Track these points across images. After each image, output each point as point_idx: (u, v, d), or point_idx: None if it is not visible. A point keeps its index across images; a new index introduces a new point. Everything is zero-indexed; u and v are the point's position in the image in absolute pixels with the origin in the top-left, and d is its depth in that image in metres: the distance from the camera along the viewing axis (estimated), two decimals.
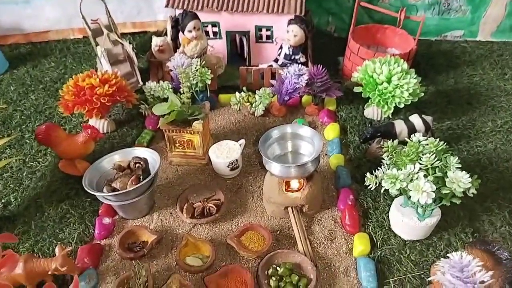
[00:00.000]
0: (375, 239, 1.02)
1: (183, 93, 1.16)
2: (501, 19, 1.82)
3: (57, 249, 0.87)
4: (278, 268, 0.93)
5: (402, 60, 1.33)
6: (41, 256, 0.98)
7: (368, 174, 0.97)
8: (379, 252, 0.99)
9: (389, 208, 1.06)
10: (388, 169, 0.97)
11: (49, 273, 0.85)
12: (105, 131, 1.36)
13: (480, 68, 1.70)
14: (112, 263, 0.97)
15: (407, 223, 0.97)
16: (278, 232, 1.04)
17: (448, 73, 1.66)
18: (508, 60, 1.73)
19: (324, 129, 1.35)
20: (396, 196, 1.04)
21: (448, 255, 0.71)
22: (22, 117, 1.45)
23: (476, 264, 0.66)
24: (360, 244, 0.98)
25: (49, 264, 0.85)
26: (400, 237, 1.02)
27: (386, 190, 0.93)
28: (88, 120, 1.35)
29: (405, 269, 0.96)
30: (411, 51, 1.49)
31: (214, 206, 1.06)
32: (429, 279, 0.86)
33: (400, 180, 0.89)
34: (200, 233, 1.04)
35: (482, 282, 0.65)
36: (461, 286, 0.65)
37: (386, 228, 1.05)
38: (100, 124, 1.35)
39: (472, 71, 1.68)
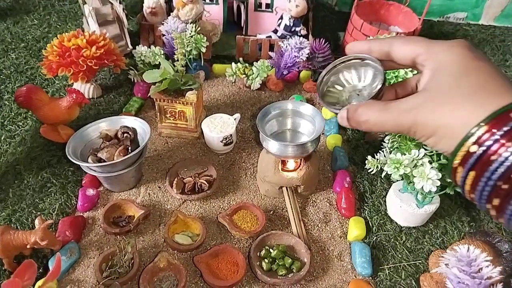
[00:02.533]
0: (370, 224, 0.99)
1: (177, 60, 1.08)
2: (506, 3, 1.77)
3: (37, 221, 0.82)
4: (271, 250, 0.89)
5: None
6: (19, 227, 0.92)
7: (369, 157, 0.93)
8: (375, 238, 0.96)
9: (386, 193, 1.02)
10: (390, 153, 0.93)
11: (28, 246, 0.79)
12: (90, 97, 1.28)
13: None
14: (96, 237, 0.92)
15: (405, 209, 0.94)
16: (272, 212, 1.00)
17: None
18: (510, 46, 1.70)
19: (321, 107, 1.30)
20: (395, 181, 1.00)
21: (454, 247, 0.68)
22: (1, 76, 1.35)
23: (484, 258, 0.63)
24: (356, 228, 0.95)
25: (28, 237, 0.79)
26: (396, 223, 0.99)
27: (386, 174, 0.89)
28: (72, 83, 1.26)
29: (400, 256, 0.93)
30: (415, 31, 1.43)
31: (205, 182, 1.01)
32: (433, 271, 0.83)
33: (404, 166, 0.85)
34: (190, 210, 0.99)
35: (490, 278, 0.62)
36: (468, 281, 0.62)
37: (383, 213, 1.02)
38: (86, 89, 1.27)
39: None
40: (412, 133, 0.40)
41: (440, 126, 0.37)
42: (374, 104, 0.44)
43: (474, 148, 0.34)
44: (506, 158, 0.33)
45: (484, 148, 0.34)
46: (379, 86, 0.48)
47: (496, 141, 0.33)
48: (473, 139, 0.35)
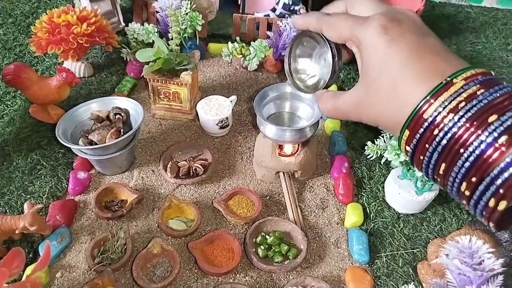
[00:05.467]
0: (368, 211, 0.97)
1: (172, 38, 1.04)
2: None
3: (25, 206, 0.79)
4: (267, 237, 0.87)
5: None
6: (8, 211, 0.89)
7: (369, 143, 0.91)
8: (372, 225, 0.95)
9: (385, 179, 1.00)
10: (390, 138, 0.91)
11: (17, 232, 0.77)
12: (81, 76, 1.24)
13: (483, 36, 1.62)
14: (87, 222, 0.90)
15: (404, 196, 0.93)
16: (268, 198, 0.98)
17: (450, 39, 1.58)
18: None
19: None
20: (394, 167, 0.98)
21: (456, 238, 0.66)
22: None
23: (487, 250, 0.62)
24: (353, 214, 0.94)
25: (16, 222, 0.76)
26: (394, 209, 0.98)
27: (385, 160, 0.87)
28: (63, 62, 1.22)
29: (397, 243, 0.92)
30: (417, 12, 1.39)
31: (200, 167, 0.98)
32: (433, 261, 0.82)
33: None
34: (184, 195, 0.97)
35: (491, 270, 0.61)
36: (469, 273, 0.60)
37: (380, 199, 1.00)
38: (76, 67, 1.22)
39: (475, 38, 1.60)
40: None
41: (377, 123, 0.44)
42: (327, 99, 0.50)
43: (407, 148, 0.41)
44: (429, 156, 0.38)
45: (411, 148, 0.40)
46: (327, 78, 0.52)
47: (419, 140, 0.38)
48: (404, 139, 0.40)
